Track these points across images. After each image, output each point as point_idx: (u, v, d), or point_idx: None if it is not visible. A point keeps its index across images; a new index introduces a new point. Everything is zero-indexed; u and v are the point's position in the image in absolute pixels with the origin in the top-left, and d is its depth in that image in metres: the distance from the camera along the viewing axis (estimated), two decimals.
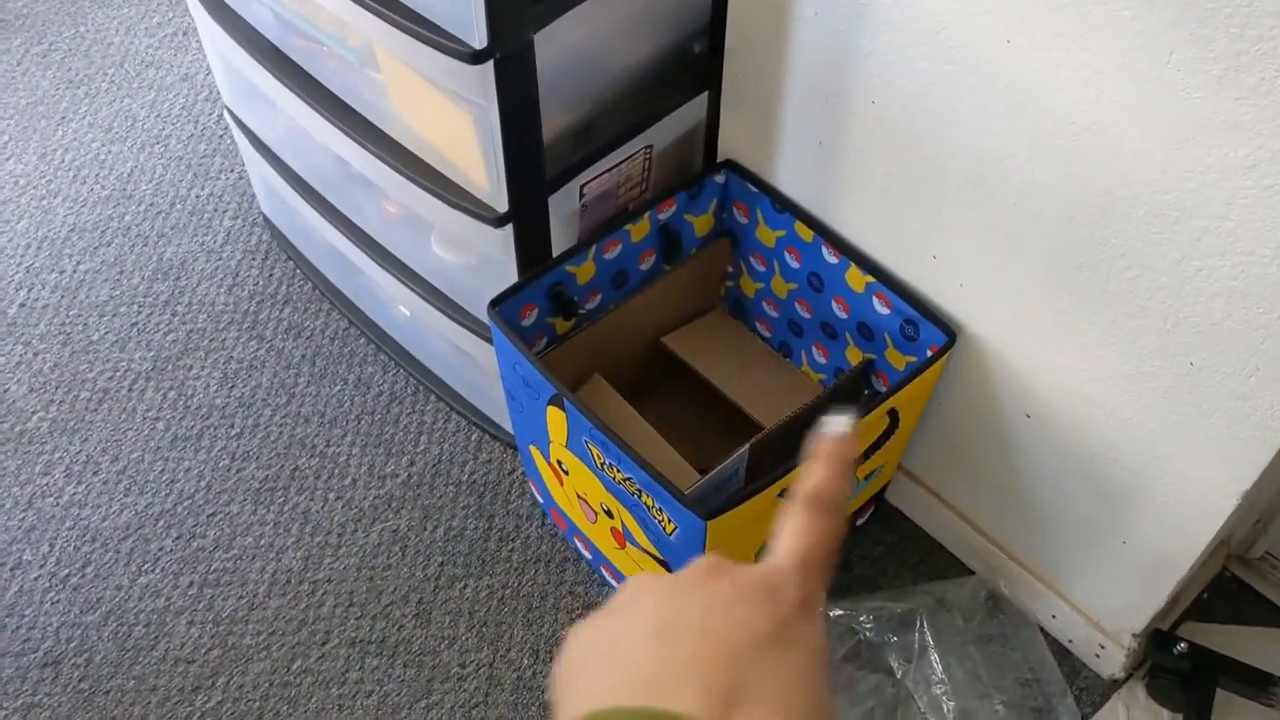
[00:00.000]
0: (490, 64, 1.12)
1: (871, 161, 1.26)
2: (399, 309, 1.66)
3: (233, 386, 1.71)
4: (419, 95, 1.26)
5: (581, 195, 1.39)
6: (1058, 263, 1.12)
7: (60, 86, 2.12)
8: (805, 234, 1.39)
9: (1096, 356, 1.15)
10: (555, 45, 1.18)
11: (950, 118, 1.13)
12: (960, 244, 1.21)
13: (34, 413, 1.68)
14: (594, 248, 1.37)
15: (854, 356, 1.42)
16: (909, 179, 1.22)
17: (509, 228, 1.30)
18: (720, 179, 1.44)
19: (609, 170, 1.39)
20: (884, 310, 1.33)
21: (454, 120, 1.23)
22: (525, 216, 1.30)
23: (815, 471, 0.46)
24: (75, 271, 1.84)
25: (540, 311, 1.36)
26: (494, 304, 1.29)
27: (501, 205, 1.28)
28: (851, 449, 0.47)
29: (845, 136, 1.27)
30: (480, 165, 1.25)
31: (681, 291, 1.51)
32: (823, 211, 1.37)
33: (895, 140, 1.21)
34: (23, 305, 1.80)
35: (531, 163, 1.26)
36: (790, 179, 1.39)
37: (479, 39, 1.09)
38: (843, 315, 1.40)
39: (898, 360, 1.36)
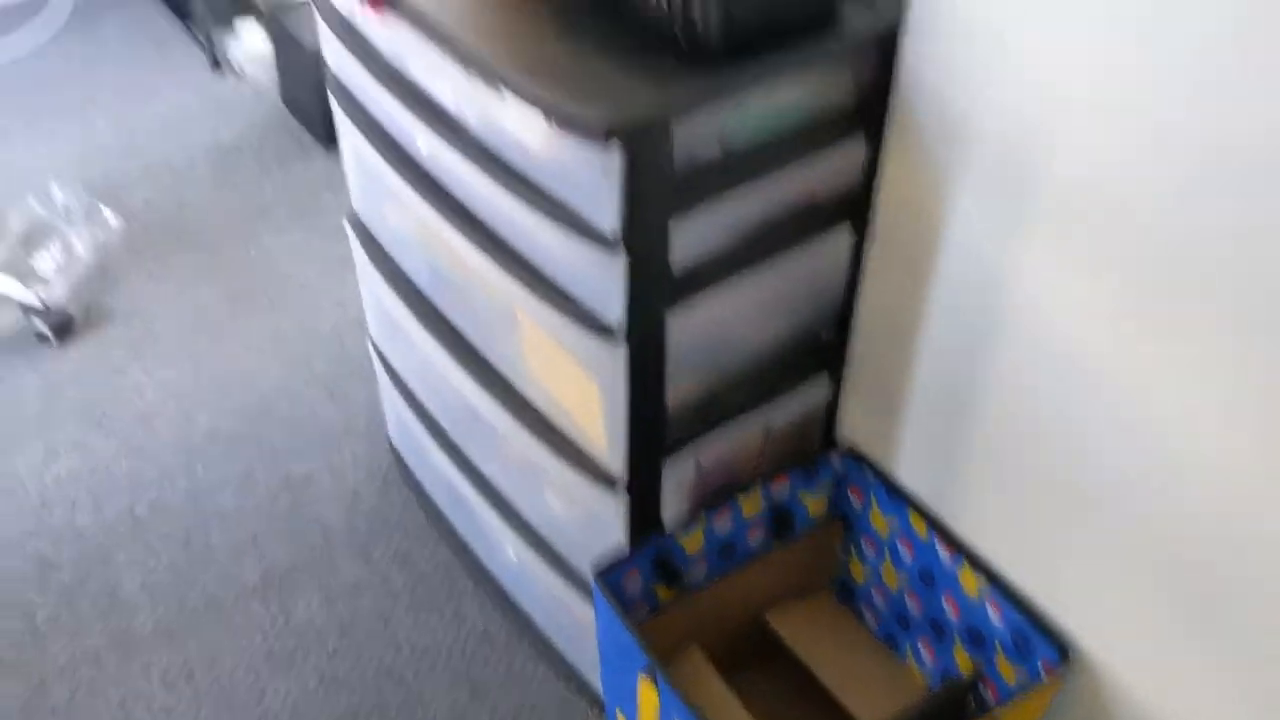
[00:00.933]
0: (622, 341, 1.15)
1: (994, 465, 1.24)
2: (507, 551, 1.67)
3: (334, 607, 1.72)
4: (552, 355, 1.31)
5: (698, 465, 1.40)
6: (1188, 595, 1.07)
7: (222, 300, 2.27)
8: (919, 527, 1.37)
9: (1230, 705, 1.08)
10: (687, 323, 1.22)
11: (1082, 437, 1.11)
12: (1083, 560, 1.17)
13: (141, 611, 1.71)
14: (704, 519, 1.37)
15: (962, 660, 1.37)
16: (1033, 489, 1.20)
17: (623, 492, 1.31)
18: (837, 462, 1.44)
19: (727, 442, 1.41)
20: (996, 618, 1.28)
21: (582, 385, 1.27)
22: (640, 483, 1.32)
23: None
24: (206, 478, 1.91)
25: (644, 578, 1.35)
26: (600, 574, 1.29)
27: (618, 470, 1.29)
28: None
29: (969, 437, 1.26)
30: (602, 430, 1.28)
31: (789, 570, 1.49)
32: (940, 506, 1.35)
33: (1022, 449, 1.19)
34: (151, 505, 1.87)
35: (651, 432, 1.28)
36: (908, 469, 1.38)
37: (615, 318, 1.14)
38: (952, 616, 1.35)
39: (1008, 671, 1.30)
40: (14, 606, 1.73)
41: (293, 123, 2.76)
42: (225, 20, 3.00)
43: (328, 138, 2.46)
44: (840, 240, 1.31)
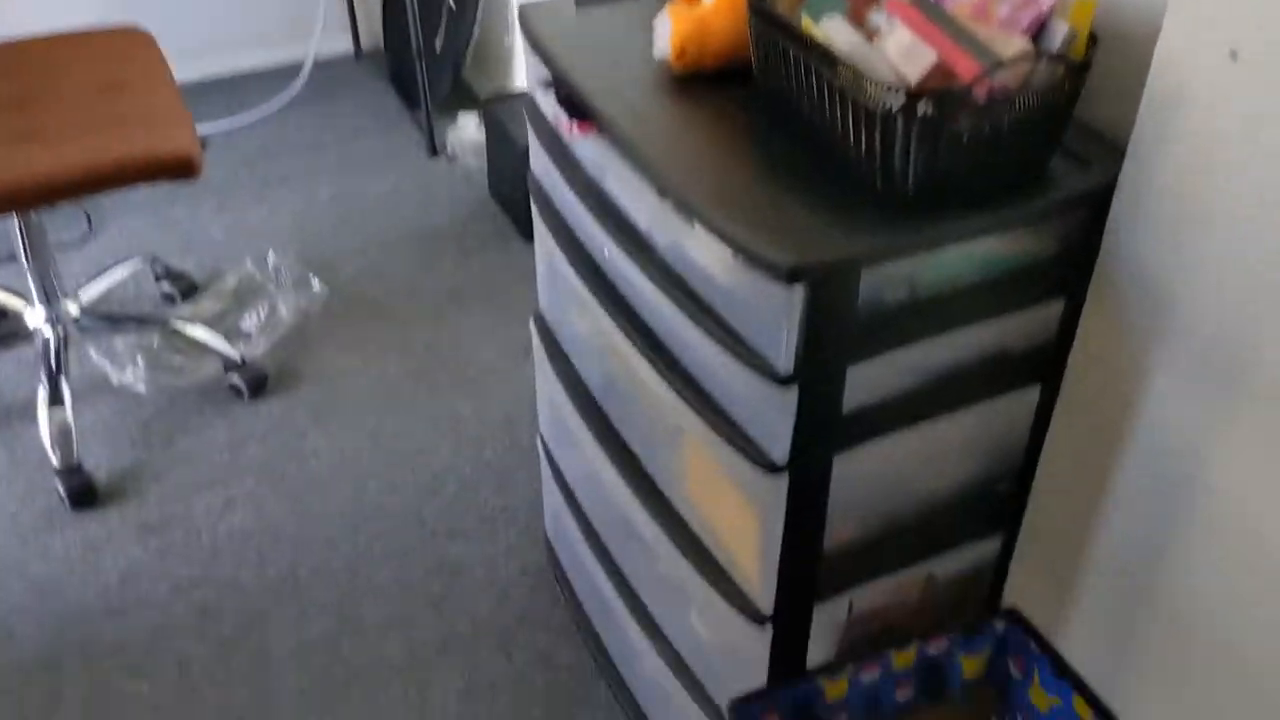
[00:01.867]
0: (785, 479, 1.13)
1: (1174, 663, 1.15)
2: (646, 665, 1.64)
3: (471, 701, 1.72)
4: (713, 480, 1.29)
5: (850, 609, 1.35)
6: None
7: (408, 376, 2.34)
8: (1084, 712, 1.27)
9: None
10: (855, 466, 1.18)
11: (1276, 647, 1.02)
12: None
13: (289, 676, 1.75)
14: (851, 668, 1.32)
15: None
16: (1222, 695, 1.11)
17: (769, 628, 1.27)
18: (1001, 627, 1.37)
19: (885, 590, 1.35)
20: None
21: (740, 515, 1.25)
22: (787, 622, 1.28)
23: None
24: (367, 550, 1.96)
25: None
26: (736, 705, 1.25)
27: (767, 607, 1.26)
28: None
29: (1147, 628, 1.18)
30: (755, 564, 1.25)
31: None
32: (1109, 695, 1.26)
33: (1206, 650, 1.11)
34: (313, 569, 1.93)
35: (806, 573, 1.24)
36: (1077, 649, 1.30)
37: (780, 455, 1.11)
38: None
39: None
40: (171, 653, 1.79)
41: (497, 212, 2.86)
42: (447, 110, 3.15)
43: (527, 230, 2.54)
44: (1027, 397, 1.26)
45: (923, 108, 0.98)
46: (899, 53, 1.04)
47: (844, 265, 1.01)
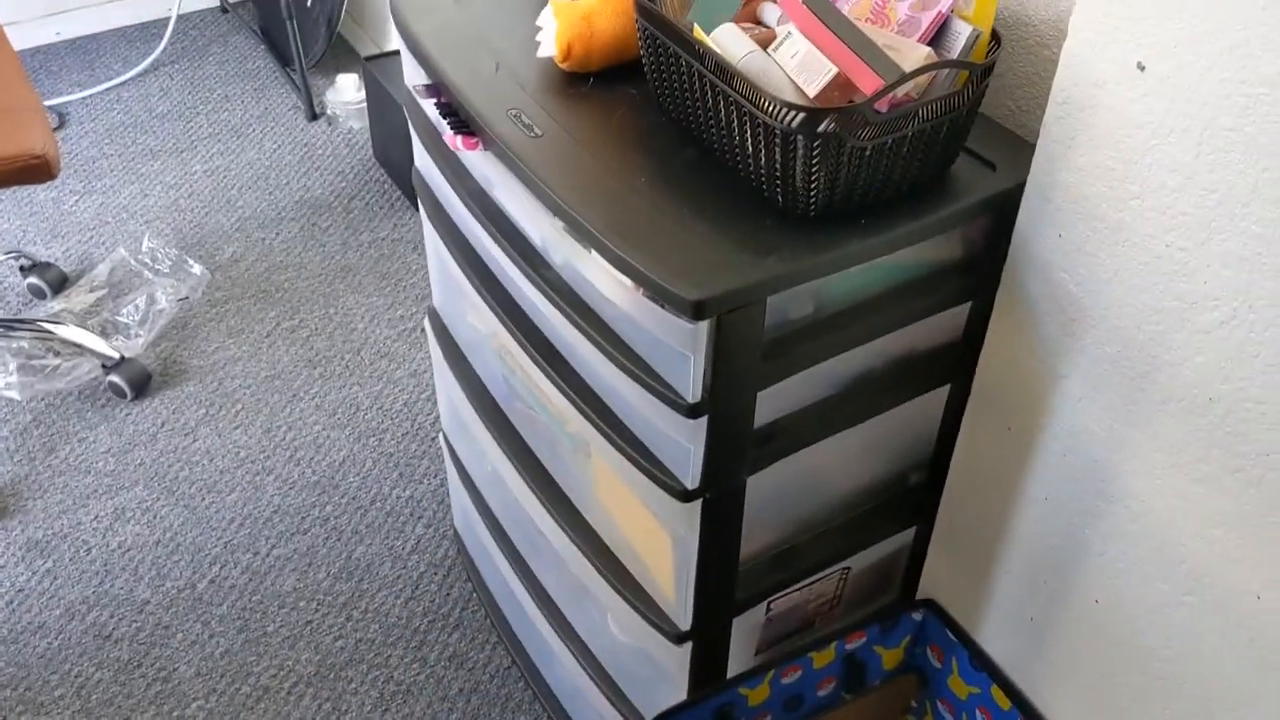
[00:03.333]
0: (699, 503, 1.10)
1: (1087, 656, 1.16)
2: (563, 669, 1.61)
3: (386, 710, 1.68)
4: (624, 498, 1.25)
5: (768, 610, 1.33)
6: None
7: (299, 364, 2.25)
8: (1002, 701, 1.28)
9: None
10: (769, 480, 1.15)
11: (1183, 647, 1.03)
12: None
13: (195, 700, 1.69)
14: (772, 672, 1.31)
15: None
16: (1127, 688, 1.12)
17: (688, 645, 1.25)
18: (918, 617, 1.36)
19: (802, 590, 1.34)
20: None
21: (653, 534, 1.21)
22: (706, 637, 1.25)
23: None
24: (269, 555, 1.89)
25: None
26: None
27: (684, 624, 1.23)
28: None
29: (1061, 622, 1.18)
30: (670, 582, 1.22)
31: None
32: (1026, 684, 1.27)
33: (1118, 646, 1.11)
34: (212, 582, 1.85)
35: (723, 589, 1.22)
36: (994, 639, 1.30)
37: (691, 481, 1.08)
38: None
39: None
40: (70, 681, 1.71)
41: (383, 178, 2.75)
42: (325, 69, 3.00)
43: (415, 198, 2.44)
44: (938, 398, 1.24)
45: (824, 125, 0.94)
46: (796, 64, 0.99)
47: (750, 294, 0.97)
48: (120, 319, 2.27)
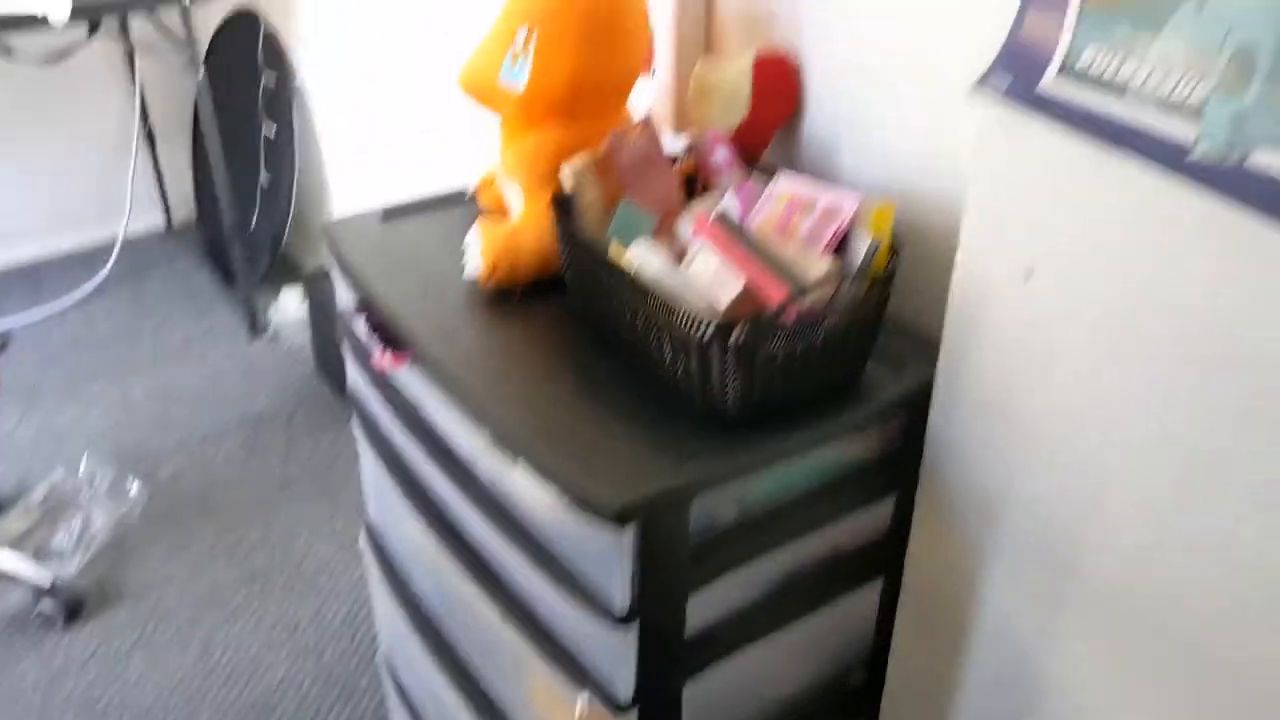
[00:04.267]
0: (634, 713, 1.08)
1: None
2: None
3: None
4: (563, 713, 1.23)
5: None
6: None
7: (239, 580, 2.21)
8: None
9: None
10: (705, 687, 1.14)
11: None
12: None
13: None
14: None
15: None
16: None
17: None
18: None
19: None
20: None
21: None
22: None
23: None
24: None
25: None
26: None
27: None
28: None
29: None
30: None
31: None
32: None
33: None
34: None
35: None
36: None
37: (625, 693, 1.07)
38: None
39: None
40: None
41: (325, 389, 2.77)
42: (269, 285, 3.06)
43: None
44: (870, 593, 1.24)
45: (735, 335, 0.98)
46: (707, 278, 1.03)
47: (673, 498, 0.98)
48: (55, 543, 2.24)
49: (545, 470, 1.00)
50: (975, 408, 1.04)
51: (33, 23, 2.33)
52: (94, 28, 2.72)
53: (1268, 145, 0.72)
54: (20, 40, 2.67)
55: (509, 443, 1.05)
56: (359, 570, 2.23)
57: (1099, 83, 0.81)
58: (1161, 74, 0.77)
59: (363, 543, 1.60)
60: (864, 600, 1.25)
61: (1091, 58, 0.81)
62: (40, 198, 3.30)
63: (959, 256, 1.00)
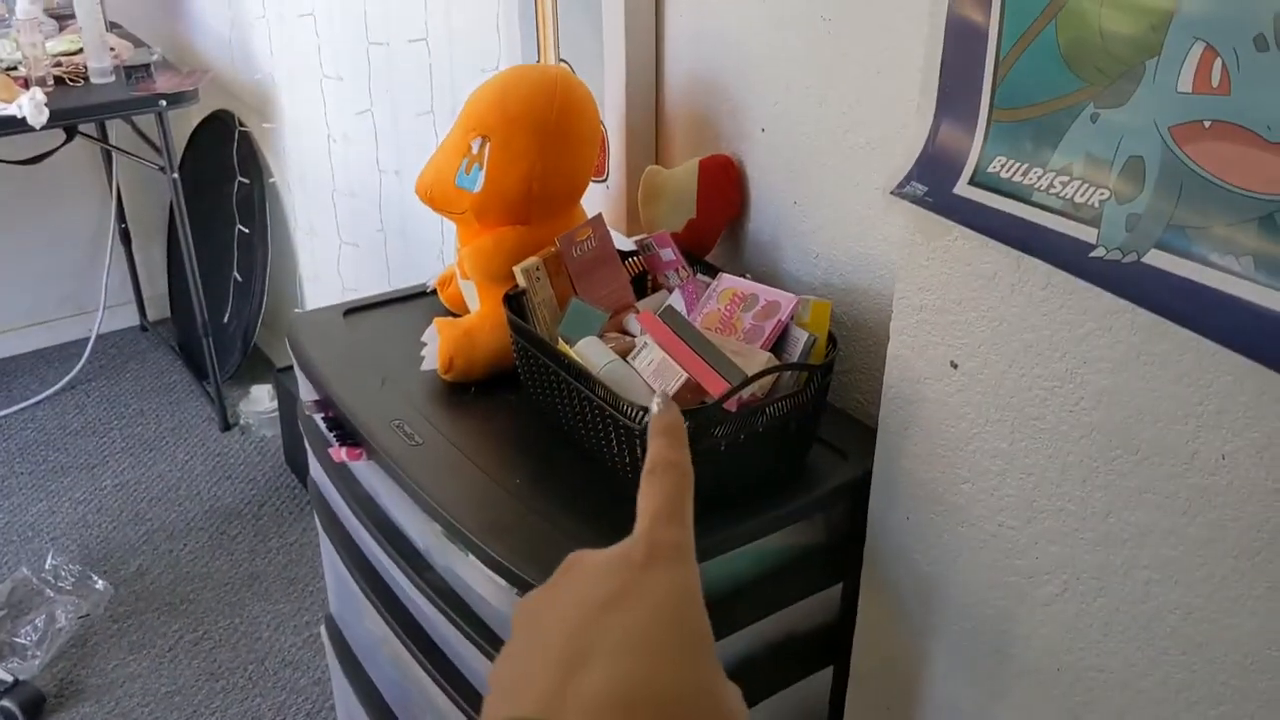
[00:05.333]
0: None
1: None
2: None
3: None
4: None
5: None
6: None
7: (201, 678, 2.20)
8: None
9: None
10: None
11: None
12: None
13: None
14: None
15: None
16: None
17: None
18: None
19: None
20: None
21: None
22: None
23: (653, 445, 0.50)
24: None
25: None
26: None
27: None
28: (675, 417, 0.51)
29: None
30: None
31: None
32: None
33: None
34: None
35: None
36: None
37: None
38: None
39: None
40: None
41: (294, 483, 2.78)
42: (240, 379, 3.09)
43: None
44: (822, 678, 1.26)
45: None
46: (652, 371, 1.07)
47: None
48: (18, 640, 2.22)
49: (493, 563, 1.03)
50: (911, 495, 1.07)
51: (11, 125, 2.39)
52: (70, 133, 2.78)
53: (1160, 247, 0.77)
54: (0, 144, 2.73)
55: (458, 535, 1.07)
56: (323, 664, 2.22)
57: (1008, 188, 0.87)
58: (1063, 181, 0.83)
59: (324, 635, 1.61)
60: (815, 688, 1.27)
61: (1000, 166, 0.87)
62: (16, 294, 3.34)
63: (890, 349, 1.05)
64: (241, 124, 2.95)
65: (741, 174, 1.34)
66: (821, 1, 1.17)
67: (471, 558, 1.08)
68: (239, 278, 3.00)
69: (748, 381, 1.03)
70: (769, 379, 1.07)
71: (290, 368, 2.77)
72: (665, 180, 1.35)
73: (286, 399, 2.74)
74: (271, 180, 2.92)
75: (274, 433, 2.94)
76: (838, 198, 1.23)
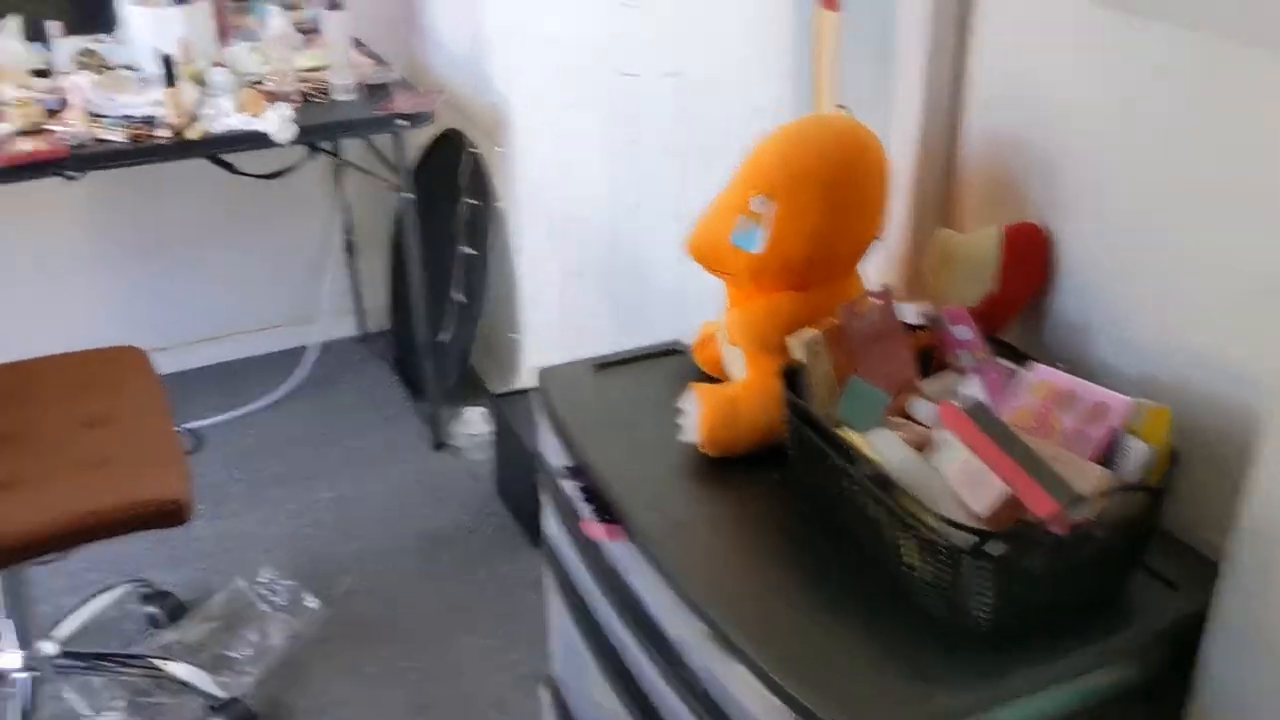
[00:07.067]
0: None
1: None
2: None
3: None
4: None
5: None
6: None
7: (408, 711, 2.17)
8: None
9: None
10: None
11: None
12: None
13: None
14: None
15: None
16: None
17: None
18: None
19: None
20: None
21: None
22: None
23: None
24: None
25: None
26: None
27: None
28: None
29: None
30: None
31: None
32: None
33: None
34: None
35: None
36: None
37: None
38: None
39: None
40: None
41: (504, 512, 2.74)
42: (453, 400, 3.08)
43: (536, 536, 2.41)
44: None
45: (995, 548, 0.88)
46: (961, 479, 0.94)
47: None
48: (231, 653, 2.24)
49: (769, 682, 0.91)
50: (1265, 651, 0.91)
51: (259, 140, 2.42)
52: (315, 149, 2.82)
53: None
54: (243, 156, 2.79)
55: (728, 641, 0.96)
56: (531, 710, 2.16)
57: None
58: None
59: (545, 698, 1.54)
60: None
61: None
62: (244, 301, 3.43)
63: (1256, 475, 0.88)
64: (472, 145, 2.94)
65: (1050, 245, 1.19)
66: (1162, 49, 1.01)
67: (741, 667, 0.97)
68: (462, 298, 2.99)
69: (1081, 500, 0.89)
70: (1101, 502, 0.93)
71: (509, 395, 2.75)
72: (959, 246, 1.22)
73: (503, 426, 2.70)
74: (499, 204, 2.90)
75: (485, 457, 2.91)
76: (1178, 279, 1.07)
